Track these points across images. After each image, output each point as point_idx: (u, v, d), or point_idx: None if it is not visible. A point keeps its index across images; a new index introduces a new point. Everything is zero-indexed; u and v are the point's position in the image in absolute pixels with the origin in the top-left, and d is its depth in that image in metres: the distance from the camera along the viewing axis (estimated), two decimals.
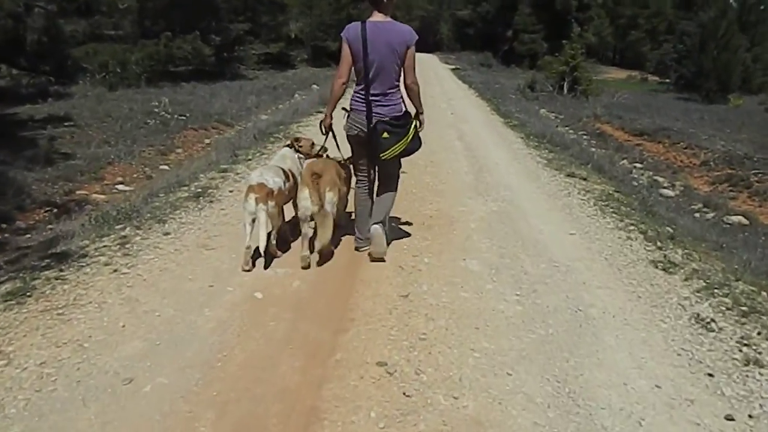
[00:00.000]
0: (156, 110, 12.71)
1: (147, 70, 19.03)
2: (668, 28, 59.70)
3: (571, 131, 14.25)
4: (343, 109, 4.26)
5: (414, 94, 4.14)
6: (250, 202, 3.95)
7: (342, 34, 3.98)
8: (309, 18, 34.51)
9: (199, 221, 5.21)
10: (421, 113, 4.30)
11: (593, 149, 11.70)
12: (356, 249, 4.55)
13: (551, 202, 6.25)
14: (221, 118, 13.11)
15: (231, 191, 6.21)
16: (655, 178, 9.71)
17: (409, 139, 4.07)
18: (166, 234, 4.83)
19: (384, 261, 4.38)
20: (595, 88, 20.81)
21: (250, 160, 7.84)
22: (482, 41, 53.36)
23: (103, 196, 7.13)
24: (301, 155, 4.81)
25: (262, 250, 4.02)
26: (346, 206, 4.83)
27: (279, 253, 4.37)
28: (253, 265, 4.16)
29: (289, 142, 4.93)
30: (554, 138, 10.76)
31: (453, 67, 39.08)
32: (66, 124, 11.00)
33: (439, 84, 22.78)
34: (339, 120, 4.38)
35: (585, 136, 13.48)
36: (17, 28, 16.71)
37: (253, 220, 4.01)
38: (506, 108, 15.51)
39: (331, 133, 4.43)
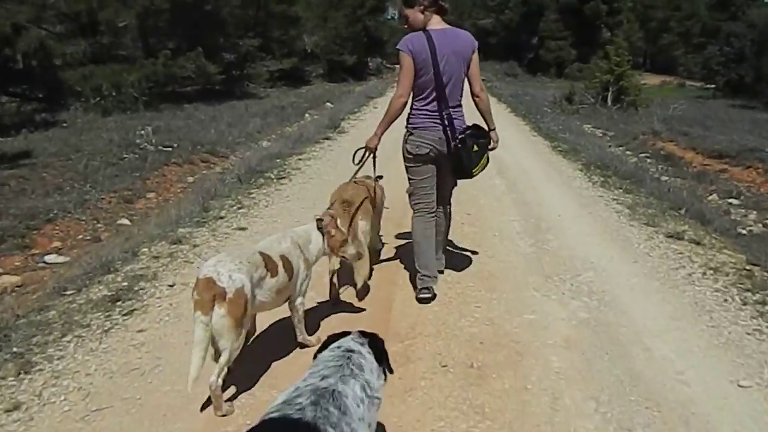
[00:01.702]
0: (138, 141, 10.76)
1: (145, 92, 17.26)
2: (702, 31, 57.50)
3: (629, 153, 11.91)
4: (406, 127, 3.83)
5: (485, 105, 3.86)
6: (193, 305, 2.58)
7: (401, 47, 3.61)
8: (324, 31, 32.68)
9: (90, 365, 3.06)
10: (493, 128, 3.96)
11: (665, 177, 9.37)
12: (419, 295, 3.89)
13: (671, 298, 3.94)
14: (214, 147, 11.10)
15: (171, 286, 4.08)
16: None
17: (488, 154, 3.86)
18: (9, 411, 2.68)
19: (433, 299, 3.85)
20: (645, 98, 18.36)
21: (221, 218, 5.73)
22: (506, 50, 51.47)
23: (16, 278, 5.08)
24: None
25: (191, 381, 2.50)
26: (379, 234, 4.43)
27: (224, 408, 2.66)
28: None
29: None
30: (619, 168, 8.48)
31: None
32: (21, 162, 9.09)
33: (464, 98, 20.19)
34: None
35: (649, 160, 11.11)
36: (5, 50, 15.27)
37: None
38: (546, 126, 13.24)
39: (371, 158, 3.97)
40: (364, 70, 36.97)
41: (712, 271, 4.34)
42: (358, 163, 3.94)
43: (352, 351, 1.93)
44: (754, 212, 7.76)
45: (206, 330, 2.51)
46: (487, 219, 5.74)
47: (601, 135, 14.38)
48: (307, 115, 17.11)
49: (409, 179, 3.93)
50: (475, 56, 3.72)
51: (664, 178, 9.42)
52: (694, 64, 54.57)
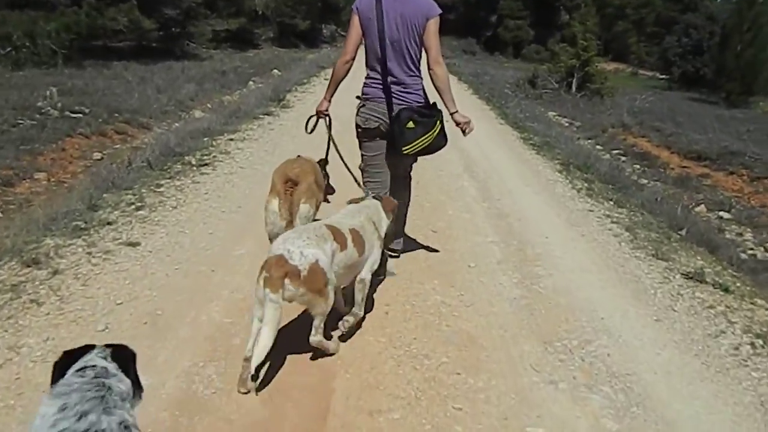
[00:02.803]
0: (40, 104, 8.98)
1: (65, 45, 15.13)
2: (657, 20, 58.32)
3: (599, 147, 10.95)
4: (358, 97, 3.53)
5: (441, 81, 3.41)
6: (259, 285, 2.48)
7: (354, 6, 3.38)
8: None
9: None
10: (455, 111, 3.50)
11: (644, 180, 8.42)
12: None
13: (726, 394, 2.77)
14: (134, 116, 9.45)
15: None
16: None
17: (435, 132, 3.46)
18: None
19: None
20: (610, 87, 17.50)
21: (109, 224, 4.27)
22: (464, 27, 50.37)
23: None
24: None
25: (253, 365, 2.41)
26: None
27: (332, 347, 2.86)
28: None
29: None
30: (600, 169, 7.44)
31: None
32: None
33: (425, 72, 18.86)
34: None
35: (623, 158, 10.17)
36: None
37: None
38: (513, 113, 12.11)
39: (327, 127, 3.69)
40: (317, 36, 34.98)
41: (761, 341, 3.26)
42: (310, 132, 3.71)
43: (105, 372, 1.52)
44: (749, 231, 6.88)
45: (277, 309, 2.45)
46: (459, 240, 4.52)
47: (567, 125, 13.41)
48: (251, 82, 15.46)
49: (361, 155, 3.66)
50: (433, 25, 3.32)
51: (643, 180, 8.48)
52: (646, 53, 55.18)
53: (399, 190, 3.76)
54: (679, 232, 5.31)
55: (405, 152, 3.44)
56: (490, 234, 4.72)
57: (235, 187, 5.44)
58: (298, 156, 3.70)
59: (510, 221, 5.09)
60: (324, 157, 3.84)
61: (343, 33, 38.52)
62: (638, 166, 9.66)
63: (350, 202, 3.25)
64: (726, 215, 7.29)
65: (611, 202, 5.88)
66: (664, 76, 33.49)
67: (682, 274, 4.12)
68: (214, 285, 3.49)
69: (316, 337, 2.66)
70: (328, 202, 3.87)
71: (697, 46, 29.53)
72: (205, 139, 7.48)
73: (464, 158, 7.38)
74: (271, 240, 3.14)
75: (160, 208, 4.72)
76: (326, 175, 3.84)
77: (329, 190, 3.89)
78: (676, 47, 31.33)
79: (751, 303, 3.76)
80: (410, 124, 3.37)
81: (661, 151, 10.57)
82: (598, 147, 11.00)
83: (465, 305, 3.44)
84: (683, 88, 28.50)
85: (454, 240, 4.48)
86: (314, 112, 3.68)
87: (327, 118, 3.68)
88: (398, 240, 3.97)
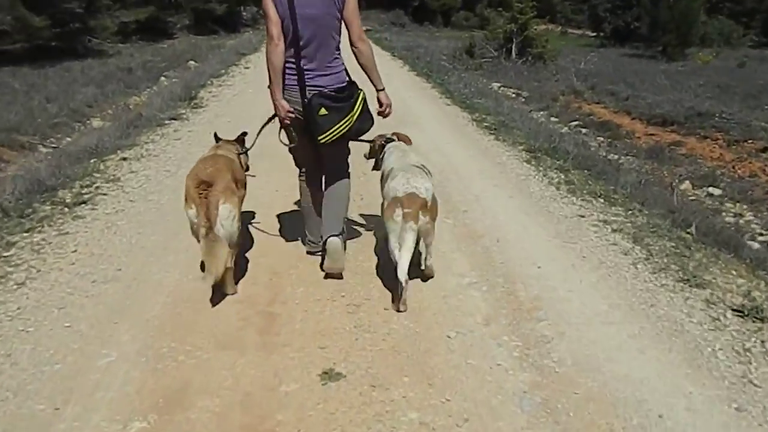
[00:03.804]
0: None
1: None
2: None
3: (555, 120, 9.95)
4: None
5: (366, 58, 3.20)
6: (398, 218, 2.91)
7: None
8: None
9: None
10: (381, 89, 3.33)
11: (615, 156, 7.45)
12: (308, 252, 3.73)
13: None
14: (11, 135, 7.81)
15: None
16: None
17: (355, 116, 3.20)
18: None
19: (342, 278, 3.32)
20: (552, 50, 16.55)
21: None
22: None
23: None
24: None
25: (403, 279, 2.88)
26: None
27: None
28: None
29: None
30: (569, 150, 6.37)
31: (364, 28, 33.70)
32: None
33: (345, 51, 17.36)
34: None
35: (584, 130, 9.20)
36: None
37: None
38: (456, 89, 10.92)
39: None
40: (237, 20, 32.72)
41: None
42: (288, 144, 3.40)
43: None
44: (748, 209, 5.97)
45: (415, 235, 2.88)
46: (424, 288, 3.30)
47: (514, 96, 12.40)
48: (162, 78, 13.73)
49: (287, 136, 3.37)
50: None
51: (612, 155, 7.51)
52: (572, 11, 55.24)
53: (333, 173, 3.50)
54: (689, 231, 4.28)
55: (322, 141, 3.17)
56: (465, 270, 3.53)
57: (117, 236, 4.03)
58: (216, 140, 3.62)
59: (486, 244, 3.90)
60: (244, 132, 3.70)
61: None
62: (602, 139, 8.72)
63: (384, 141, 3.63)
64: (716, 191, 6.40)
65: (601, 200, 4.77)
66: (594, 34, 33.10)
67: (733, 309, 3.04)
68: None
69: (429, 262, 3.26)
70: (254, 176, 3.77)
71: (626, 0, 29.08)
72: (92, 161, 5.97)
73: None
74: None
75: (1, 283, 3.30)
76: (245, 151, 3.67)
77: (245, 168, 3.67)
78: (605, 3, 30.83)
79: None
80: (323, 111, 3.11)
81: (622, 118, 9.67)
82: (553, 119, 10.02)
83: (456, 422, 2.24)
84: (616, 45, 28.02)
85: (418, 290, 3.25)
86: (276, 120, 3.34)
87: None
88: (335, 227, 3.39)
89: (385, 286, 3.31)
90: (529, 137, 7.14)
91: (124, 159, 6.01)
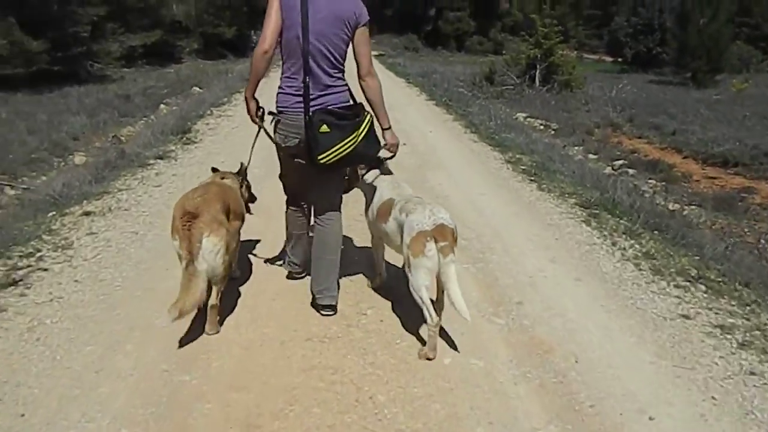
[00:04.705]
0: None
1: None
2: (592, 2, 59.08)
3: (592, 156, 8.78)
4: (270, 113, 3.08)
5: (375, 94, 3.03)
6: (430, 253, 2.72)
7: None
8: None
9: None
10: (388, 128, 3.14)
11: (676, 205, 6.25)
12: (289, 276, 3.59)
13: None
14: None
15: None
16: None
17: (360, 137, 2.90)
18: None
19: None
20: (579, 77, 15.46)
21: None
22: (402, 22, 48.71)
23: None
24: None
25: (465, 314, 2.66)
26: (237, 248, 3.20)
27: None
28: None
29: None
30: (624, 200, 5.19)
31: (376, 53, 33.01)
32: None
33: (351, 80, 16.28)
34: None
35: (630, 170, 8.00)
36: None
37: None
38: (481, 121, 9.79)
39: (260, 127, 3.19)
40: (246, 44, 32.01)
41: None
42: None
43: None
44: None
45: (454, 268, 2.71)
46: None
47: (542, 128, 11.24)
48: (162, 105, 12.75)
49: (280, 163, 3.27)
50: (364, 30, 2.93)
51: (673, 205, 6.32)
52: (585, 36, 54.79)
53: (327, 224, 3.21)
54: None
55: (321, 162, 2.87)
56: (538, 419, 2.33)
57: (37, 347, 2.85)
58: (214, 171, 3.51)
59: (559, 366, 2.70)
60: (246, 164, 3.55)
61: None
62: (654, 182, 7.51)
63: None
64: None
65: (701, 286, 3.55)
66: (611, 59, 32.12)
67: None
68: None
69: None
70: (251, 213, 3.63)
71: (648, 25, 28.10)
72: (51, 214, 4.88)
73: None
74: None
75: None
76: (248, 184, 3.61)
77: (251, 198, 3.68)
78: (627, 28, 29.85)
79: None
80: (324, 128, 2.86)
81: (672, 156, 8.48)
82: (592, 157, 8.84)
83: None
84: (638, 71, 26.96)
85: None
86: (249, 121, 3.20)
87: (260, 110, 3.13)
88: (330, 288, 3.19)
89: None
90: (576, 183, 5.98)
91: (87, 214, 4.88)
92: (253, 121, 3.14)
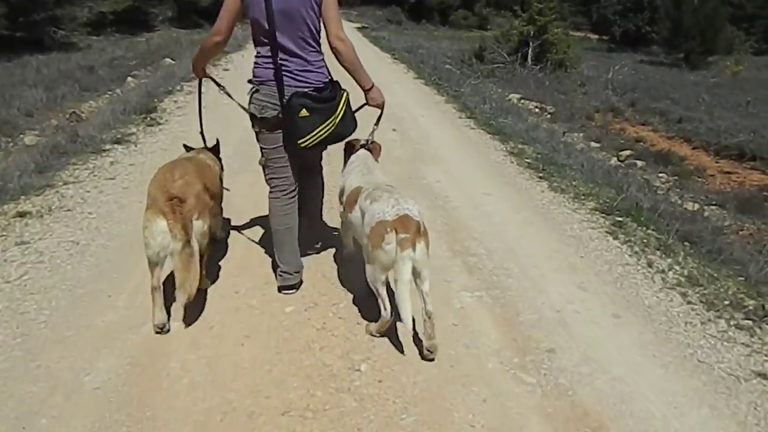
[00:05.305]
0: None
1: None
2: None
3: (594, 145, 8.13)
4: (249, 81, 2.96)
5: (348, 60, 2.86)
6: (388, 247, 2.48)
7: None
8: None
9: None
10: (369, 88, 2.97)
11: (695, 204, 5.64)
12: (280, 288, 3.18)
13: None
14: None
15: None
16: None
17: (338, 119, 2.90)
18: None
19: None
20: (574, 57, 14.74)
21: None
22: None
23: None
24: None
25: (409, 322, 2.43)
26: (221, 223, 3.36)
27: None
28: None
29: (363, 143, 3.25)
30: (658, 210, 4.55)
31: (359, 25, 31.89)
32: None
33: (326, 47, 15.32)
34: None
35: (639, 162, 7.37)
36: None
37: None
38: (473, 102, 9.06)
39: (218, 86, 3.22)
40: None
41: None
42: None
43: None
44: None
45: (411, 268, 2.44)
46: None
47: (537, 110, 10.55)
48: (130, 78, 11.74)
49: (261, 149, 3.07)
50: None
51: (692, 204, 5.71)
52: (570, 12, 54.13)
53: (308, 184, 3.29)
54: None
55: (302, 146, 2.84)
56: None
57: None
58: (187, 150, 3.48)
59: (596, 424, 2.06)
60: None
61: None
62: (665, 176, 6.89)
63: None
64: None
65: (752, 333, 2.93)
66: (596, 36, 31.40)
67: None
68: None
69: (429, 307, 2.52)
70: (228, 190, 3.54)
71: (638, 3, 27.41)
72: None
73: (445, 216, 4.29)
74: (152, 265, 2.70)
75: None
76: (219, 160, 3.54)
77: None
78: (615, 5, 29.12)
79: None
80: (303, 112, 2.79)
81: (681, 147, 7.87)
82: (594, 145, 8.19)
83: None
84: (627, 50, 26.30)
85: None
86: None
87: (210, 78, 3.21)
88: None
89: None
90: (587, 180, 5.32)
91: (22, 215, 4.08)
92: (198, 75, 3.19)
